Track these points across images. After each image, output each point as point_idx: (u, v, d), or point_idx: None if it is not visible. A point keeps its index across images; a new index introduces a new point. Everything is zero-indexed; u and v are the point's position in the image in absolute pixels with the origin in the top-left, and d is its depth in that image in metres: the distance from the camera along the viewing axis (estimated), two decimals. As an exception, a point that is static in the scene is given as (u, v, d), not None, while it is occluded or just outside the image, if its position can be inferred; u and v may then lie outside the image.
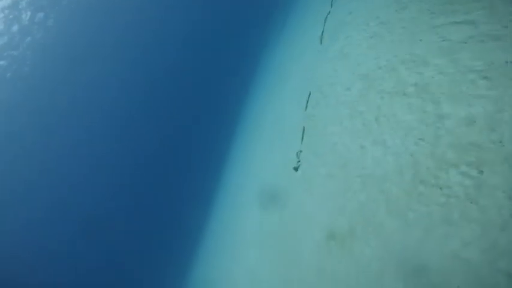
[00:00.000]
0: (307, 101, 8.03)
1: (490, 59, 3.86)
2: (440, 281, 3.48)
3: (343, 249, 4.64)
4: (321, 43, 8.90)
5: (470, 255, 3.33)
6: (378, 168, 4.64)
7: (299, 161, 6.96)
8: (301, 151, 7.12)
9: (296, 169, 6.94)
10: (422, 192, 3.93)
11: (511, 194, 3.18)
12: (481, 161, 3.54)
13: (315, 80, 8.16)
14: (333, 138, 5.98)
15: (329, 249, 4.87)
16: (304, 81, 8.84)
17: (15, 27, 20.84)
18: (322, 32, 8.78)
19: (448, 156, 3.76)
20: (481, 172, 3.49)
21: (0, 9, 19.40)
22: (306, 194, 6.09)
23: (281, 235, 6.65)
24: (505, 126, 3.44)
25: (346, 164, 5.28)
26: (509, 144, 3.36)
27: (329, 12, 8.89)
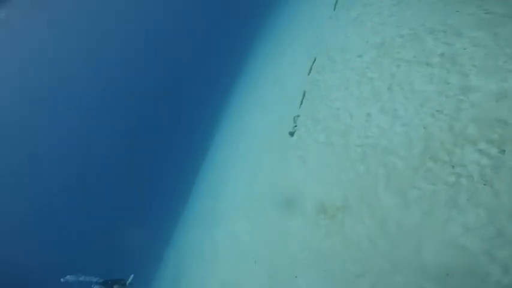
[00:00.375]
0: (312, 66, 7.37)
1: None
2: (431, 266, 3.19)
3: (333, 224, 4.31)
4: (335, 9, 8.12)
5: (468, 242, 3.02)
6: (383, 138, 4.19)
7: (295, 126, 6.46)
8: (298, 116, 6.59)
9: (292, 134, 6.45)
10: (430, 168, 3.53)
11: (535, 179, 2.82)
12: (504, 139, 3.12)
13: (323, 45, 7.47)
14: (336, 104, 5.46)
15: (318, 222, 4.54)
16: (311, 47, 8.13)
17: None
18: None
19: (468, 131, 3.32)
20: (503, 152, 3.08)
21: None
22: (300, 161, 5.67)
23: (269, 203, 6.32)
24: (542, 104, 2.99)
25: (347, 131, 4.82)
26: (544, 123, 2.94)
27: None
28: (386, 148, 4.09)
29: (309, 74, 7.30)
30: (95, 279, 8.98)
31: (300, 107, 6.77)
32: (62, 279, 9.37)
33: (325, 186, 4.73)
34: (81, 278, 9.19)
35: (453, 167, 3.36)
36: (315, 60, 7.37)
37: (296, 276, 4.44)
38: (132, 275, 8.94)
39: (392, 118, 4.20)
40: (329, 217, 4.36)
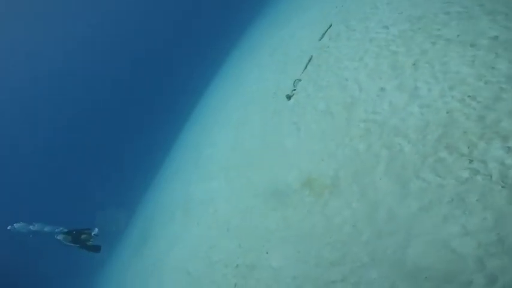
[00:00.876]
0: (325, 32, 6.56)
1: None
2: (412, 266, 2.79)
3: (317, 202, 3.84)
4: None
5: (461, 246, 2.64)
6: (393, 117, 3.64)
7: (294, 90, 5.79)
8: (300, 80, 5.91)
9: (289, 97, 5.80)
10: (443, 159, 3.04)
11: None
12: (540, 141, 2.64)
13: (342, 12, 6.60)
14: (345, 74, 4.81)
15: (301, 198, 4.06)
16: (329, 12, 7.22)
17: None
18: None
19: (501, 125, 2.81)
20: (536, 155, 2.61)
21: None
22: (293, 127, 5.09)
23: (252, 168, 5.76)
24: None
25: (352, 103, 4.23)
26: None
27: None
28: (395, 128, 3.55)
29: (320, 39, 6.51)
30: (57, 229, 8.35)
31: (303, 72, 6.05)
32: (8, 227, 8.59)
33: (316, 159, 4.20)
34: (34, 228, 8.47)
35: (471, 161, 2.88)
36: (330, 26, 6.55)
37: (267, 252, 4.02)
38: (96, 228, 8.38)
39: (410, 97, 3.63)
40: (315, 194, 3.87)
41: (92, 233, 8.14)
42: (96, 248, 8.21)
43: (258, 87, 7.82)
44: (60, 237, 7.98)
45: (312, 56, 6.15)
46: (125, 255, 11.36)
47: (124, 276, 9.82)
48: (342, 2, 6.85)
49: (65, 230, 8.19)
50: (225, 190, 6.29)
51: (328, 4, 7.64)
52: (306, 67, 6.07)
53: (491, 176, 2.73)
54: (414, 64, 3.87)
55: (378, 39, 4.84)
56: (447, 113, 3.20)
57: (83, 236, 8.11)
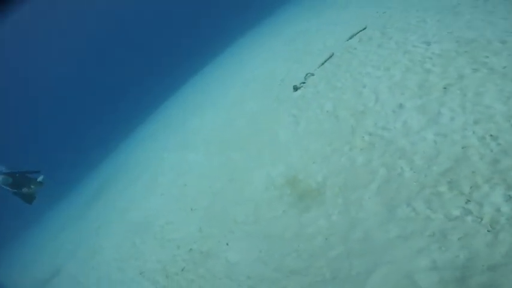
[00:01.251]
0: (357, 33, 6.11)
1: None
2: None
3: (296, 204, 3.50)
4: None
5: (423, 280, 2.48)
6: (404, 138, 3.30)
7: (304, 83, 5.39)
8: (313, 74, 5.50)
9: (296, 89, 5.39)
10: (441, 193, 2.76)
11: None
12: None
13: (383, 18, 6.14)
14: (365, 80, 4.43)
15: (281, 195, 3.70)
16: (367, 15, 6.74)
17: None
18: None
19: (511, 173, 2.52)
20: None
21: None
22: (291, 119, 4.70)
23: (237, 149, 5.36)
24: None
25: (363, 112, 3.87)
26: None
27: None
28: (402, 150, 3.21)
29: (348, 39, 6.09)
30: None
31: (318, 67, 5.64)
32: None
33: (307, 160, 3.85)
34: None
35: (468, 201, 2.62)
36: (364, 28, 6.11)
37: (227, 244, 3.67)
38: (42, 176, 7.72)
39: (428, 121, 3.29)
40: (295, 196, 3.53)
41: (38, 179, 7.49)
42: (30, 198, 7.50)
43: (264, 70, 7.35)
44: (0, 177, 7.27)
45: (333, 54, 5.73)
46: (72, 209, 10.84)
47: (65, 231, 9.29)
48: (386, 8, 6.39)
49: (7, 171, 7.50)
50: (201, 165, 5.88)
51: (369, 7, 7.16)
52: (323, 63, 5.66)
53: (481, 219, 2.50)
54: (445, 88, 3.52)
55: (414, 53, 4.44)
56: (462, 148, 2.88)
57: (25, 180, 7.43)
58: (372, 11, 6.63)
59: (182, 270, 3.85)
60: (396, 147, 3.27)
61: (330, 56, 5.70)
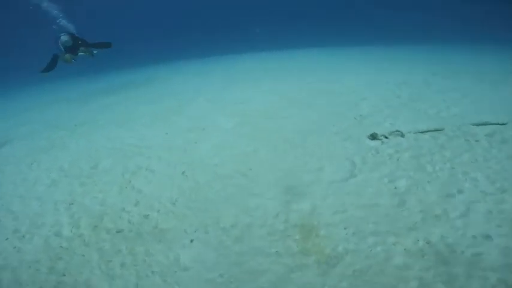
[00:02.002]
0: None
1: None
2: None
3: (295, 255, 2.70)
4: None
5: None
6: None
7: (386, 137, 4.39)
8: (402, 135, 4.46)
9: (373, 137, 4.41)
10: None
11: None
12: None
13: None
14: (472, 174, 3.37)
15: (285, 233, 2.93)
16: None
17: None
18: None
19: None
20: None
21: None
22: (347, 165, 3.82)
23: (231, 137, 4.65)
24: None
25: (438, 217, 2.87)
26: None
27: None
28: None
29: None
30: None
31: (418, 132, 4.58)
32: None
33: (340, 220, 2.99)
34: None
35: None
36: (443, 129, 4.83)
37: (192, 241, 3.03)
38: (97, 51, 8.26)
39: None
40: (301, 246, 2.73)
41: (94, 51, 8.11)
42: (51, 66, 7.82)
43: (343, 90, 6.32)
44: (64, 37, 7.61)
45: (444, 129, 4.62)
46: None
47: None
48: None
49: (72, 34, 7.88)
50: (237, 126, 5.25)
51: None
52: (425, 131, 4.59)
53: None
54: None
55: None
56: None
57: (84, 48, 7.83)
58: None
59: (129, 223, 3.31)
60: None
61: (438, 130, 4.60)
